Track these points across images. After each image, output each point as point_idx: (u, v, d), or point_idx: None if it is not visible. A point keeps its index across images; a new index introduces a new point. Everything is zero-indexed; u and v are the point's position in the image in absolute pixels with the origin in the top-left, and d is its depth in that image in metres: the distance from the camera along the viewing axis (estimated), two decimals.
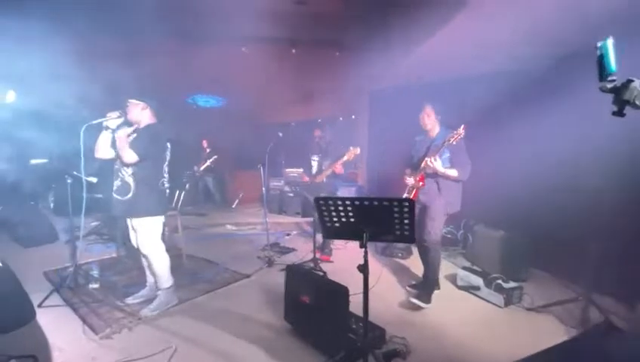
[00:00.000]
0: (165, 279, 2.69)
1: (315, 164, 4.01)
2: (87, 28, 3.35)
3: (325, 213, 1.83)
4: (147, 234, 2.59)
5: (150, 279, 2.83)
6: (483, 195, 3.71)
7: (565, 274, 3.21)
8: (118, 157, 2.53)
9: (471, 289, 3.02)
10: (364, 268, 1.84)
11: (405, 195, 2.84)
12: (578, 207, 2.80)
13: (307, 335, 2.26)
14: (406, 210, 1.67)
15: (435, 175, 2.76)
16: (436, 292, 2.92)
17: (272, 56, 4.70)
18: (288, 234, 4.95)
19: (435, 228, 2.79)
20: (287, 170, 6.62)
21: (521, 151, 3.53)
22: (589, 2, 2.39)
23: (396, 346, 2.15)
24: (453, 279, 3.25)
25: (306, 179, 4.04)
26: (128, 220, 2.65)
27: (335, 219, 1.83)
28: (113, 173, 2.61)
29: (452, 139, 2.57)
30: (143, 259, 2.74)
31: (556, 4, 2.58)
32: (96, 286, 3.07)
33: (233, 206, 7.30)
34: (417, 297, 2.78)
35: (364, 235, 1.76)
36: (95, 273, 3.22)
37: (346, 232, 1.90)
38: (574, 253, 2.73)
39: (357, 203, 1.75)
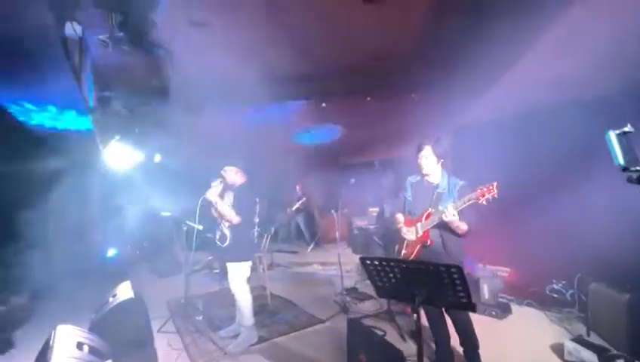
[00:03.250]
0: (247, 317, 3.04)
1: (387, 208, 3.98)
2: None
3: (374, 273, 1.83)
4: (235, 275, 3.01)
5: (238, 315, 3.22)
6: (602, 245, 3.01)
7: None
8: (219, 215, 3.01)
9: None
10: (417, 336, 1.76)
11: (404, 252, 2.49)
12: None
13: None
14: (455, 276, 1.57)
15: (441, 227, 2.34)
16: None
17: (349, 106, 5.06)
18: None
19: None
20: (370, 209, 6.66)
21: None
22: None
23: None
24: (560, 351, 2.67)
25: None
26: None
27: (385, 279, 1.82)
28: (215, 225, 3.14)
29: (482, 199, 2.09)
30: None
31: None
32: (199, 318, 3.66)
33: (309, 249, 7.38)
34: None
35: (416, 299, 1.70)
36: (200, 306, 3.84)
37: (399, 293, 1.86)
38: None
39: (403, 265, 1.73)
